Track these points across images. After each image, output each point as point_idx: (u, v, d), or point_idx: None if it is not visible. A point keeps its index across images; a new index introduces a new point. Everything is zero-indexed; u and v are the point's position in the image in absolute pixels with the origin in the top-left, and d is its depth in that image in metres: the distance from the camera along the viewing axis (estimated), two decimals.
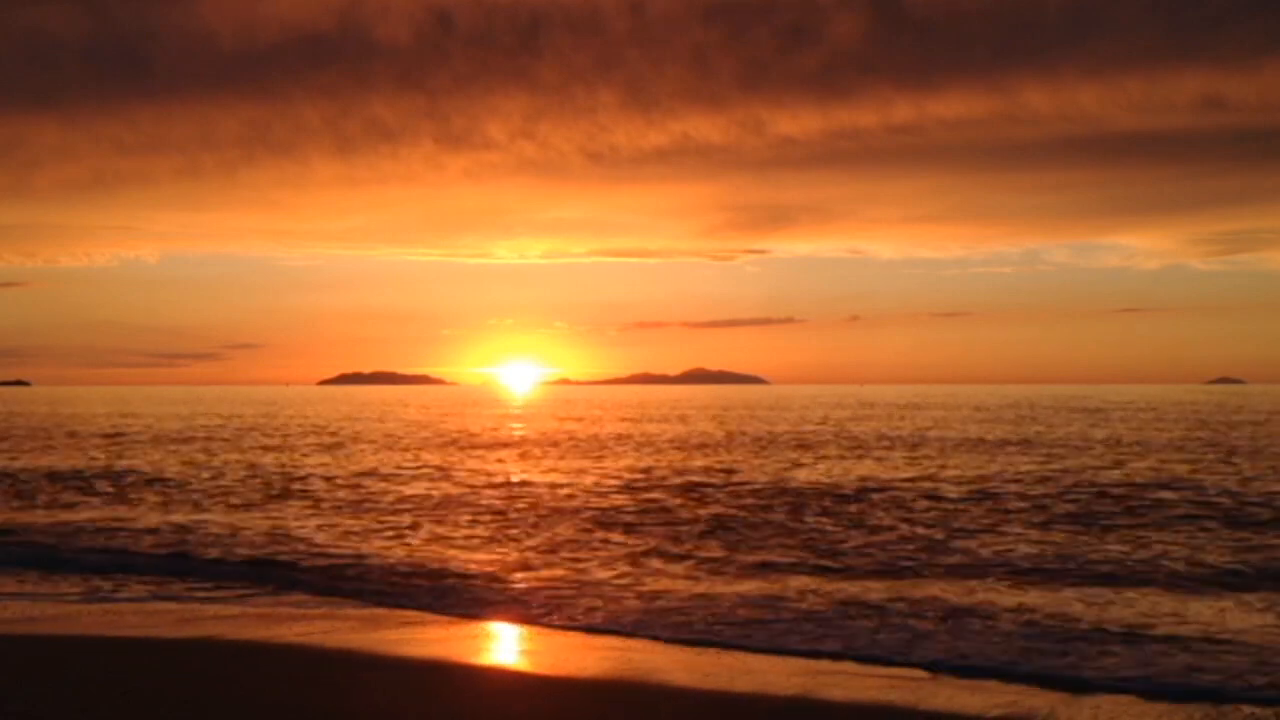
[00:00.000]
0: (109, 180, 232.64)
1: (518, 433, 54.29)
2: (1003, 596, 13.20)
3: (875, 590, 13.65)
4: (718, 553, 16.54)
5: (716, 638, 11.49)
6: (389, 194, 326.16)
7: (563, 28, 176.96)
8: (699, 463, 33.18)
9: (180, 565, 16.27)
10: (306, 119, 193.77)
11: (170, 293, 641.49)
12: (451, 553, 16.98)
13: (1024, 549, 16.56)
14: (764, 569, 15.18)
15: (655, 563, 15.80)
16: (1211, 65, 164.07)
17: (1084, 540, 17.42)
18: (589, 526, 19.53)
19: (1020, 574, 14.59)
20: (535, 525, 19.76)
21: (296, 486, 26.85)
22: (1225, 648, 10.69)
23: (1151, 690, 9.40)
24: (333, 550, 17.18)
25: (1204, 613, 12.26)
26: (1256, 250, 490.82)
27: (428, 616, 12.94)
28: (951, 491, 24.53)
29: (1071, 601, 12.86)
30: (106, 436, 50.64)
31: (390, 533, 19.10)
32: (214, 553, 17.10)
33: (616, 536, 18.29)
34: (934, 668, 10.31)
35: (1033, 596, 13.19)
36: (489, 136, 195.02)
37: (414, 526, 19.81)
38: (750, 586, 13.97)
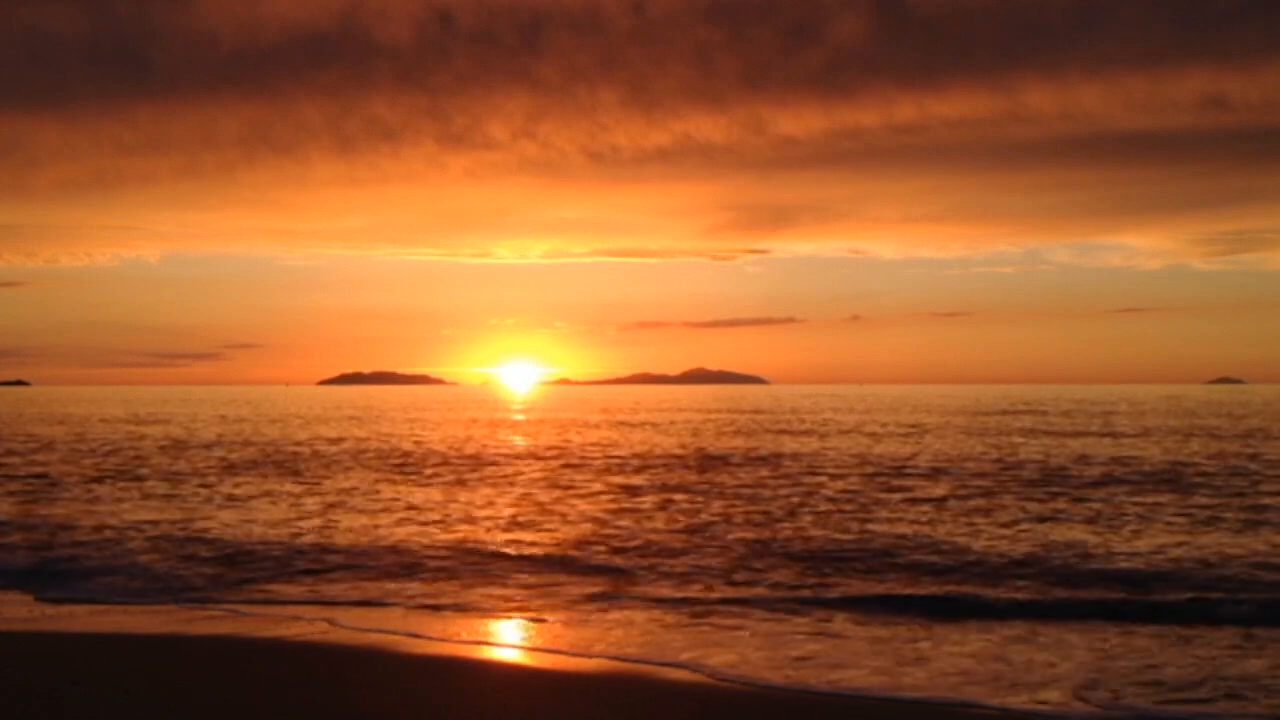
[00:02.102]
0: (109, 180, 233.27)
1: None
2: None
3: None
4: None
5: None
6: (390, 194, 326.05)
7: (564, 27, 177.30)
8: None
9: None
10: (307, 118, 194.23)
11: (170, 293, 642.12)
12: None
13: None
14: None
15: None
16: (1214, 65, 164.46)
17: None
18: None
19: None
20: None
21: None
22: None
23: None
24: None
25: None
26: (1258, 250, 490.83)
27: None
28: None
29: None
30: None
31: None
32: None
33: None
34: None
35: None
36: (490, 136, 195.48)
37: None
38: None
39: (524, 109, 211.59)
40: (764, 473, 30.71)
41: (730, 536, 18.46)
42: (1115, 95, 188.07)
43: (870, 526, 19.48)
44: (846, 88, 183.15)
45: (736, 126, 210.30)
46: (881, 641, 11.45)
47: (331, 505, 23.43)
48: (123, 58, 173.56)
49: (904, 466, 32.32)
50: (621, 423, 65.36)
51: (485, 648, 11.71)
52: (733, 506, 22.72)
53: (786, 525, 19.72)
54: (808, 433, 52.97)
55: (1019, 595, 13.61)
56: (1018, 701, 9.31)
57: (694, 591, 14.12)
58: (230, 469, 32.72)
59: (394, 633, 12.08)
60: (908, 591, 13.86)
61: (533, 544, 17.94)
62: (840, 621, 12.36)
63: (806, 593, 13.93)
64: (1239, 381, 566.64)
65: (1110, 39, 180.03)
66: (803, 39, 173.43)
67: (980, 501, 23.15)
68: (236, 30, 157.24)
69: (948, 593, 13.77)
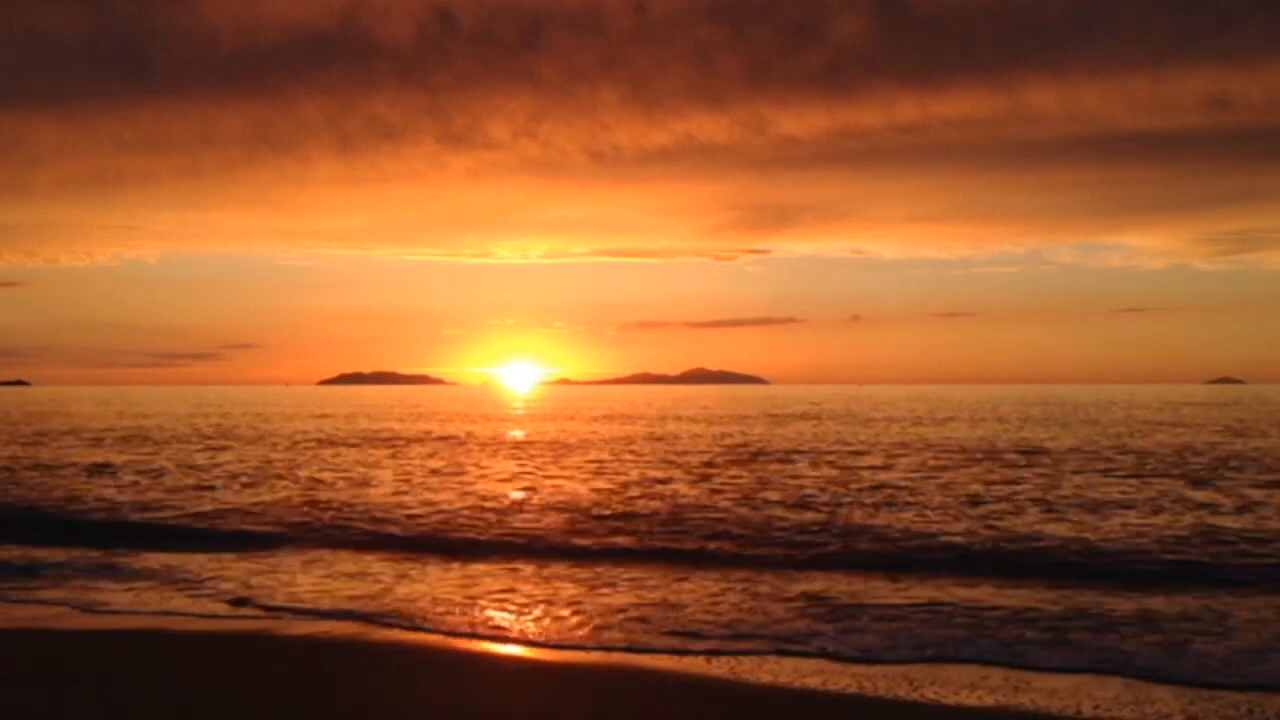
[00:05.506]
0: (109, 179, 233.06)
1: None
2: None
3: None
4: None
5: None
6: (390, 193, 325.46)
7: (565, 26, 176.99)
8: None
9: None
10: (308, 118, 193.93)
11: (170, 293, 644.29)
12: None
13: None
14: None
15: None
16: (1217, 65, 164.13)
17: None
18: None
19: None
20: None
21: None
22: None
23: None
24: None
25: None
26: (1260, 250, 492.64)
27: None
28: None
29: None
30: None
31: None
32: None
33: None
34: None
35: None
36: (491, 135, 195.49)
37: None
38: None
39: (525, 108, 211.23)
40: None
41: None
42: (1117, 95, 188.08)
43: None
44: (848, 87, 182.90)
45: (738, 126, 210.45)
46: None
47: None
48: (123, 58, 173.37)
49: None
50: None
51: (485, 644, 11.77)
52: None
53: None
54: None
55: None
56: None
57: None
58: None
59: (390, 629, 12.15)
60: None
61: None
62: None
63: None
64: (1239, 381, 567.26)
65: (1112, 39, 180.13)
66: (804, 38, 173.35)
67: None
68: (237, 30, 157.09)
69: None
